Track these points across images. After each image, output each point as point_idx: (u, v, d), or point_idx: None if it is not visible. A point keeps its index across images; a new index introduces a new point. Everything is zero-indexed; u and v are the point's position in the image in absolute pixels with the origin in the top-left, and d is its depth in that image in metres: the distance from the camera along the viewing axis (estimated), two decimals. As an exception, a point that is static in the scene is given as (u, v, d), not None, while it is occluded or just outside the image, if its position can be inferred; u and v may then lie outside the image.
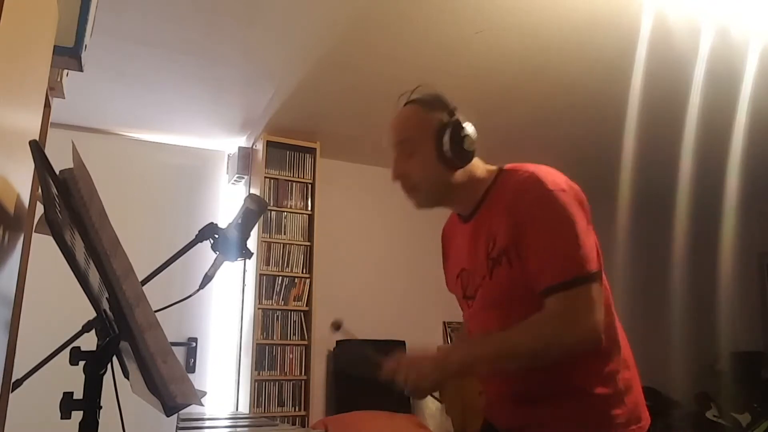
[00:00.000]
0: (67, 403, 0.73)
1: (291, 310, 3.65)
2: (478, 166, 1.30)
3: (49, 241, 0.84)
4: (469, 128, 1.26)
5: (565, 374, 1.16)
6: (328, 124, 3.72)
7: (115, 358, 0.79)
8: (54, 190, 0.74)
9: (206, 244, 1.40)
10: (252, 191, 3.84)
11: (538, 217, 1.13)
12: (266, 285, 3.59)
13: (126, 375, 0.94)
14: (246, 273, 3.79)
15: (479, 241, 1.25)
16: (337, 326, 1.45)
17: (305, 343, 3.63)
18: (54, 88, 1.48)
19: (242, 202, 1.46)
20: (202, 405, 0.78)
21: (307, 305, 3.68)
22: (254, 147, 3.94)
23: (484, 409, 1.40)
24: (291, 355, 3.59)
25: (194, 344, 3.71)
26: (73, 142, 0.78)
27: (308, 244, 3.76)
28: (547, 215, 1.12)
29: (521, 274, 1.14)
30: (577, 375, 1.17)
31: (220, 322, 3.83)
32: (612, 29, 2.57)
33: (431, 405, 3.89)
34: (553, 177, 1.17)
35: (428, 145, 1.25)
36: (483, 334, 1.28)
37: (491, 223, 1.22)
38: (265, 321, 3.55)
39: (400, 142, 1.28)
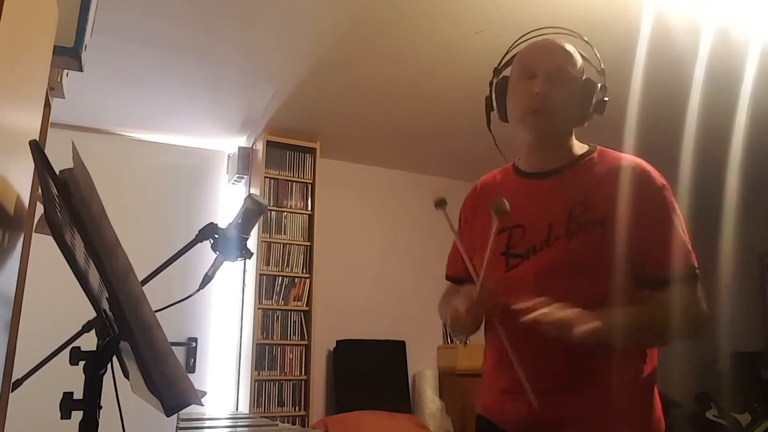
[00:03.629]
0: (67, 403, 0.73)
1: (291, 310, 3.65)
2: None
3: (49, 241, 0.84)
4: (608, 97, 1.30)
5: (607, 365, 1.14)
6: (328, 124, 3.72)
7: (115, 358, 0.78)
8: (54, 190, 0.74)
9: (206, 244, 1.40)
10: (252, 191, 3.84)
11: (659, 207, 1.18)
12: (266, 285, 3.59)
13: (126, 375, 0.94)
14: (246, 273, 3.79)
15: (556, 202, 1.22)
16: (441, 203, 1.22)
17: (305, 343, 3.63)
18: (54, 88, 1.48)
19: (242, 202, 1.46)
20: (202, 405, 0.78)
21: (307, 305, 3.68)
22: (254, 147, 3.94)
23: (479, 404, 1.34)
24: (291, 355, 3.59)
25: (194, 344, 3.71)
26: (73, 142, 0.78)
27: (308, 244, 3.76)
28: (668, 208, 1.18)
29: (610, 247, 1.14)
30: (621, 369, 1.14)
31: (220, 322, 3.83)
32: (612, 29, 2.57)
33: (431, 405, 3.90)
34: (657, 173, 1.22)
35: (577, 88, 1.26)
36: (605, 308, 1.12)
37: (582, 188, 1.21)
38: (265, 321, 3.55)
39: (558, 68, 1.24)
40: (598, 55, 1.32)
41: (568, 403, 1.15)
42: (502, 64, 1.37)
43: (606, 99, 1.29)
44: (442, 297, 1.47)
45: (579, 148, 1.30)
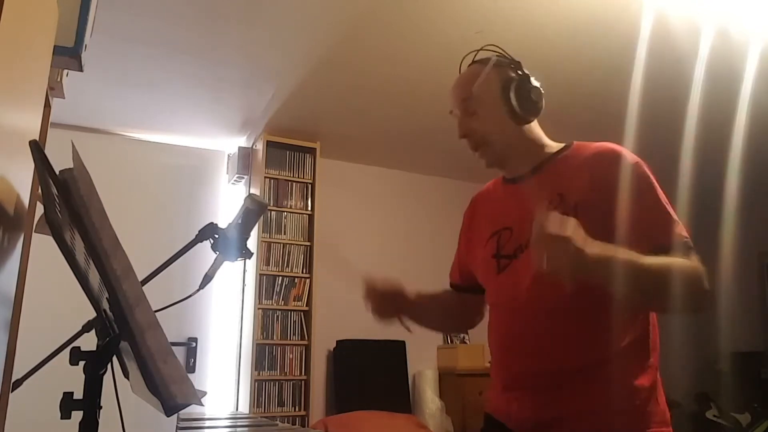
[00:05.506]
0: (67, 403, 0.73)
1: (291, 310, 3.65)
2: (544, 134, 1.34)
3: (49, 241, 0.84)
4: (535, 81, 1.30)
5: (606, 358, 1.12)
6: (328, 124, 3.72)
7: (115, 358, 0.78)
8: (54, 190, 0.74)
9: (206, 244, 1.40)
10: (252, 191, 3.84)
11: (634, 182, 1.15)
12: (266, 285, 3.59)
13: (126, 375, 0.94)
14: (246, 273, 3.79)
15: (535, 199, 1.24)
16: None
17: (305, 343, 3.63)
18: (54, 88, 1.48)
19: (242, 202, 1.46)
20: (202, 405, 0.78)
21: (307, 305, 3.68)
22: (254, 147, 3.94)
23: (487, 402, 1.34)
24: (291, 355, 3.59)
25: (194, 344, 3.71)
26: (73, 142, 0.78)
27: (308, 244, 3.76)
28: (644, 182, 1.16)
29: (594, 229, 1.09)
30: (621, 362, 1.12)
31: (220, 322, 3.83)
32: (612, 29, 2.57)
33: (431, 405, 3.90)
34: (629, 153, 1.21)
35: (495, 100, 1.27)
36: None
37: (558, 182, 1.22)
38: (265, 321, 3.55)
39: (464, 100, 1.29)
40: (505, 52, 1.33)
41: (570, 400, 1.14)
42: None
43: (534, 86, 1.28)
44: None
45: (550, 146, 1.32)
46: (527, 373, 1.18)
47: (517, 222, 1.26)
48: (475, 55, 1.36)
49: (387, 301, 1.40)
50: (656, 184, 1.17)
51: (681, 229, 1.13)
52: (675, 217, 1.15)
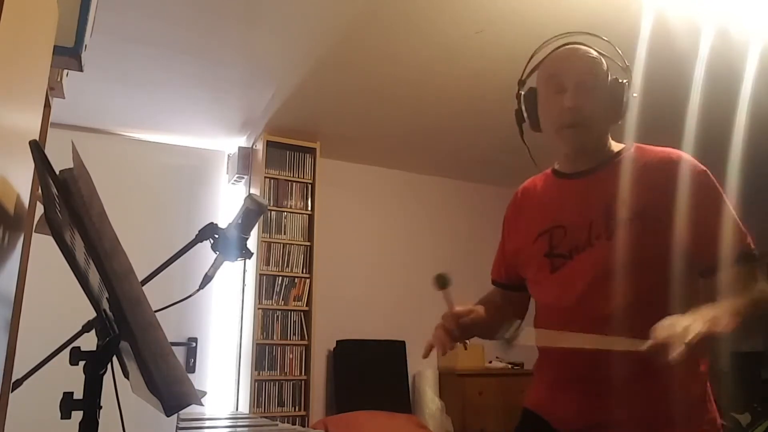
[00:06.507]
0: (67, 403, 0.73)
1: (291, 310, 3.65)
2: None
3: (49, 241, 0.84)
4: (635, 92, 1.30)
5: (657, 366, 1.04)
6: (328, 124, 3.72)
7: (115, 358, 0.78)
8: (54, 190, 0.74)
9: (206, 244, 1.40)
10: (252, 191, 3.84)
11: (701, 192, 1.15)
12: (266, 285, 3.59)
13: (126, 375, 0.94)
14: (246, 273, 3.79)
15: (593, 200, 1.23)
16: (444, 282, 1.11)
17: (305, 343, 3.63)
18: (54, 88, 1.48)
19: (242, 202, 1.46)
20: (202, 405, 0.78)
21: (307, 305, 3.68)
22: (254, 147, 3.94)
23: (528, 397, 1.31)
24: (291, 355, 3.59)
25: (194, 344, 3.71)
26: (73, 142, 0.78)
27: (308, 244, 3.76)
28: (711, 192, 1.16)
29: (654, 241, 1.13)
30: (672, 370, 1.05)
31: (220, 322, 3.83)
32: (612, 29, 2.57)
33: (431, 405, 3.89)
34: (695, 160, 1.21)
35: (606, 91, 1.25)
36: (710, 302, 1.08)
37: (620, 185, 1.21)
38: (265, 321, 3.55)
39: (586, 78, 1.24)
40: (621, 52, 1.32)
41: (619, 405, 1.12)
42: (525, 74, 1.37)
43: (635, 95, 1.29)
44: (480, 298, 1.46)
45: (615, 146, 1.30)
46: (578, 375, 1.17)
47: (572, 221, 1.24)
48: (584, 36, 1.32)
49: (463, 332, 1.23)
50: (721, 192, 1.17)
51: (745, 239, 1.14)
52: (741, 226, 1.15)
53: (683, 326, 0.93)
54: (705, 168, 1.19)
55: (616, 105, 1.26)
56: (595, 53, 1.27)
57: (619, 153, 1.28)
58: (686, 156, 1.21)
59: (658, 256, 1.13)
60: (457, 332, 1.17)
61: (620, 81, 1.26)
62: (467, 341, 1.22)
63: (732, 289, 1.09)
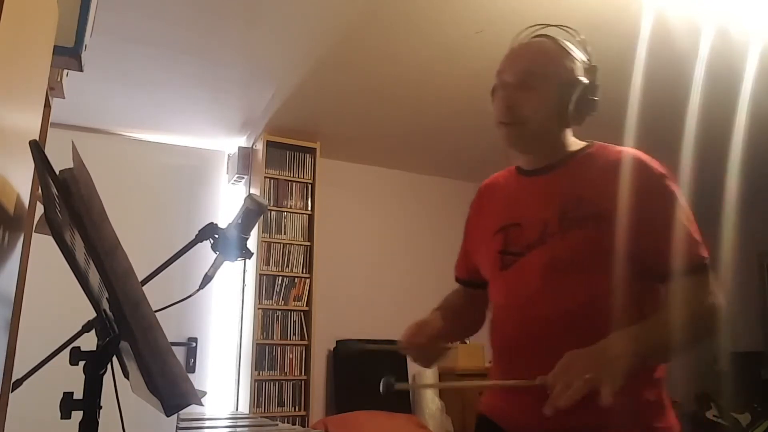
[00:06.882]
0: (67, 403, 0.73)
1: (291, 310, 3.65)
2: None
3: (49, 241, 0.84)
4: (599, 95, 1.24)
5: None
6: (328, 124, 3.72)
7: (115, 358, 0.78)
8: (54, 190, 0.74)
9: (206, 244, 1.40)
10: (252, 191, 3.84)
11: (659, 196, 1.13)
12: (266, 285, 3.59)
13: (126, 375, 0.94)
14: (246, 273, 3.79)
15: (552, 198, 1.20)
16: (388, 387, 1.07)
17: (305, 343, 3.63)
18: (54, 88, 1.48)
19: (242, 202, 1.46)
20: (202, 405, 0.78)
21: (307, 305, 3.68)
22: (254, 147, 3.94)
23: (483, 403, 1.29)
24: (291, 355, 3.59)
25: (194, 344, 3.71)
26: (73, 142, 0.78)
27: (308, 244, 3.76)
28: (669, 197, 1.13)
29: (607, 242, 1.09)
30: (632, 382, 1.03)
31: (220, 322, 3.83)
32: (612, 29, 2.57)
33: (431, 405, 3.89)
34: (656, 162, 1.18)
35: (554, 89, 1.19)
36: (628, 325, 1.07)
37: (577, 184, 1.18)
38: (265, 321, 3.55)
39: (527, 72, 1.20)
40: (589, 50, 1.27)
41: (574, 411, 1.03)
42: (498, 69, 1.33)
43: (595, 98, 1.22)
44: (444, 298, 1.45)
45: (575, 144, 1.27)
46: (532, 378, 1.11)
47: (528, 218, 1.21)
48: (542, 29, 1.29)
49: (426, 349, 1.29)
50: (679, 198, 1.14)
51: (697, 249, 1.11)
52: (695, 235, 1.12)
53: (572, 374, 0.97)
54: (663, 172, 1.16)
55: (572, 112, 1.19)
56: (554, 50, 1.24)
57: (578, 152, 1.25)
58: (645, 157, 1.17)
59: (611, 258, 1.10)
60: (425, 353, 1.25)
61: (574, 82, 1.20)
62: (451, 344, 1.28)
63: (678, 300, 1.09)
